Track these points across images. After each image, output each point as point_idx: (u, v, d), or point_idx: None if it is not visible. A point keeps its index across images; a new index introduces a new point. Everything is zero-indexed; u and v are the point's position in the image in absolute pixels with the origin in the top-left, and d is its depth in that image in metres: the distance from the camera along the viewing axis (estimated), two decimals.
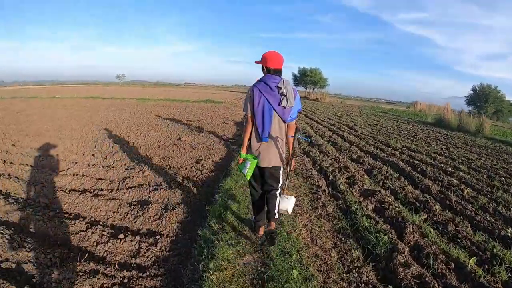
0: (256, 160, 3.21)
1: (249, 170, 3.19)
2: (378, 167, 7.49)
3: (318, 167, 7.29)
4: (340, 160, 7.96)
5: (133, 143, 9.00)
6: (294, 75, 61.03)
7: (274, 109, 3.05)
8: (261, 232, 3.67)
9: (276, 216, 3.47)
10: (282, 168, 3.38)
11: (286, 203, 3.50)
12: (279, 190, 3.45)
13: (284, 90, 3.01)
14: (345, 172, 6.92)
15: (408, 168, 7.50)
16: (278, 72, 3.10)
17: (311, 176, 6.52)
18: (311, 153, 8.58)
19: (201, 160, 7.70)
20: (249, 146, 3.30)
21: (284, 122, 3.18)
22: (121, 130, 10.97)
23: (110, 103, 21.46)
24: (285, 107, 3.06)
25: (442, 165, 7.99)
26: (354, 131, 13.78)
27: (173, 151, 8.40)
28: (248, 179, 3.35)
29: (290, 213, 3.67)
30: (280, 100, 3.03)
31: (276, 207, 3.43)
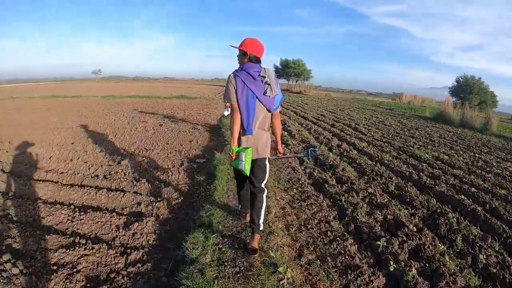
0: (249, 148, 2.94)
1: (246, 163, 2.90)
2: (435, 209, 4.61)
3: (353, 227, 3.99)
4: (377, 199, 4.89)
5: None
6: (276, 67, 57.17)
7: (258, 99, 2.89)
8: (248, 217, 3.53)
9: (261, 228, 3.15)
10: (267, 159, 3.15)
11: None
12: (265, 192, 3.19)
13: (268, 79, 2.87)
14: (403, 237, 3.67)
15: (478, 208, 4.56)
16: (259, 60, 2.95)
17: (353, 266, 3.14)
18: (326, 184, 5.45)
19: None
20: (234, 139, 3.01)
21: (269, 111, 3.02)
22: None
23: (61, 103, 18.26)
24: (270, 96, 2.92)
25: (503, 192, 5.41)
26: (361, 133, 10.89)
27: None
28: (248, 173, 2.98)
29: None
30: (265, 89, 2.89)
31: (261, 217, 3.13)
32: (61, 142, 7.92)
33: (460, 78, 48.79)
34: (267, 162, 3.17)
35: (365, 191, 5.15)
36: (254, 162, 3.06)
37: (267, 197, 3.35)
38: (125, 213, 4.29)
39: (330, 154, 7.41)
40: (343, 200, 4.71)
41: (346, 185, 5.47)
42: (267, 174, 3.20)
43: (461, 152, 8.84)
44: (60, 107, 15.61)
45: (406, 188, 5.36)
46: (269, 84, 2.87)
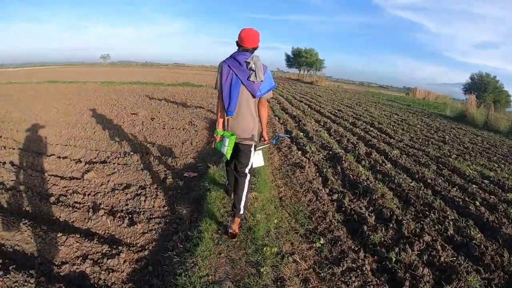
0: (234, 136, 2.97)
1: (228, 148, 2.96)
2: None
3: None
4: (439, 257, 3.22)
5: None
6: (288, 56, 54.49)
7: (242, 83, 2.89)
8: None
9: (241, 212, 3.17)
10: (253, 146, 3.13)
11: (258, 158, 3.44)
12: (248, 177, 3.17)
13: (253, 65, 2.84)
14: None
15: None
16: (247, 50, 2.92)
17: None
18: (364, 225, 3.66)
19: None
20: (220, 123, 3.09)
21: (254, 97, 2.96)
22: None
23: (55, 89, 16.63)
24: (254, 82, 2.89)
25: None
26: (388, 136, 9.04)
27: None
28: (229, 157, 3.10)
29: (263, 164, 3.63)
30: (248, 74, 2.87)
31: (243, 201, 3.15)
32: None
33: (475, 75, 46.84)
34: (252, 149, 3.14)
35: (419, 240, 3.38)
36: (238, 146, 3.08)
37: (250, 182, 3.25)
38: None
39: (360, 168, 5.58)
40: (394, 259, 3.05)
41: (391, 225, 3.68)
42: (251, 160, 3.17)
43: (502, 165, 7.18)
44: (51, 95, 13.96)
45: (468, 231, 3.67)
46: (253, 70, 2.85)
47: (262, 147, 3.44)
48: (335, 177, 5.21)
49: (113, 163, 5.18)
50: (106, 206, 4.02)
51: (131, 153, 5.72)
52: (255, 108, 3.06)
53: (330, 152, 6.39)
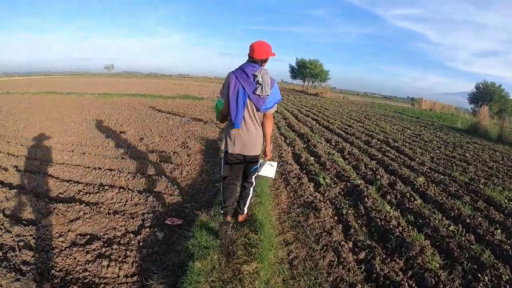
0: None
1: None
2: None
3: None
4: None
5: None
6: (292, 67, 53.38)
7: (248, 96, 2.88)
8: (229, 218, 3.39)
9: (245, 212, 3.52)
10: (259, 158, 3.23)
11: (270, 170, 3.26)
12: (253, 184, 3.41)
13: (260, 79, 2.82)
14: None
15: None
16: (256, 61, 2.90)
17: None
18: None
19: None
20: (226, 135, 3.14)
21: (258, 110, 2.95)
22: None
23: (49, 101, 15.86)
24: (259, 96, 2.87)
25: None
26: (408, 157, 7.89)
27: None
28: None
29: (274, 178, 3.75)
30: (255, 88, 2.85)
31: (247, 204, 3.48)
32: None
33: (480, 85, 46.11)
34: (258, 160, 3.21)
35: None
36: (244, 159, 3.16)
37: (254, 189, 3.50)
38: None
39: (386, 206, 4.47)
40: None
41: None
42: (257, 173, 3.24)
43: None
44: (44, 107, 13.09)
45: None
46: (260, 84, 2.83)
47: (263, 165, 3.23)
48: (359, 221, 4.08)
49: (80, 204, 4.09)
50: (59, 271, 2.93)
51: (106, 187, 4.64)
52: (259, 121, 3.05)
53: (348, 184, 5.26)
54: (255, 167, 3.24)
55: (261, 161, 3.23)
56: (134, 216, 3.92)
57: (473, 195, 5.38)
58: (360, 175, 5.97)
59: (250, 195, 3.44)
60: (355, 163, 6.71)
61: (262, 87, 2.83)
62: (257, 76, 2.82)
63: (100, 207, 4.05)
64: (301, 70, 50.37)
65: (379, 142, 9.36)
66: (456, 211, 4.53)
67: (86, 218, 3.77)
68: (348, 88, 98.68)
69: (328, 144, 8.32)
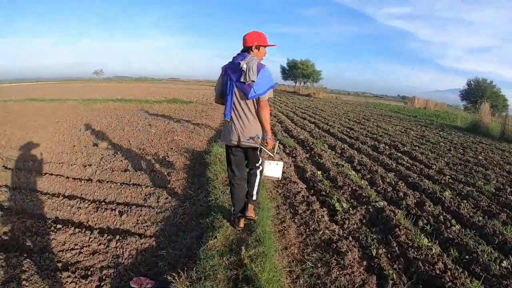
0: None
1: None
2: None
3: None
4: None
5: None
6: (283, 68, 52.31)
7: (235, 84, 2.85)
8: (241, 224, 3.38)
9: (254, 198, 3.30)
10: (259, 149, 3.08)
11: (275, 170, 3.23)
12: (260, 169, 3.23)
13: (244, 66, 2.75)
14: None
15: None
16: (246, 50, 2.90)
17: None
18: None
19: None
20: (223, 127, 3.15)
21: (247, 98, 2.84)
22: None
23: (28, 108, 14.51)
24: (245, 83, 2.78)
25: None
26: (424, 165, 6.86)
27: None
28: None
29: (280, 178, 3.46)
30: (239, 75, 2.79)
31: (255, 188, 3.26)
32: None
33: (471, 82, 45.82)
34: (258, 151, 3.12)
35: None
36: (246, 151, 3.10)
37: (261, 172, 3.24)
38: None
39: (423, 239, 3.40)
40: None
41: None
42: (260, 159, 3.17)
43: None
44: (21, 115, 11.94)
45: None
46: (244, 71, 2.75)
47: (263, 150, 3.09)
48: (395, 267, 2.99)
49: (20, 255, 2.90)
50: None
51: (59, 226, 3.47)
52: (253, 110, 2.94)
53: (370, 208, 4.15)
54: (258, 150, 3.09)
55: (264, 160, 3.16)
56: (89, 273, 2.77)
57: (507, 211, 4.46)
58: (380, 193, 4.89)
59: (258, 178, 3.24)
60: (369, 176, 5.63)
61: (246, 73, 2.74)
62: (239, 63, 2.78)
63: (45, 260, 2.89)
64: (292, 70, 49.28)
65: (387, 147, 8.33)
66: (500, 237, 3.57)
67: (23, 280, 2.61)
68: (339, 88, 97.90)
69: (333, 153, 7.21)
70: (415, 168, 6.45)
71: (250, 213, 3.26)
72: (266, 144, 3.03)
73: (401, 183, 5.36)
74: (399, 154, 7.55)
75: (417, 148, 8.67)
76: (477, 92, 43.92)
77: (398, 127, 13.45)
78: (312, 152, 6.84)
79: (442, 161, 7.36)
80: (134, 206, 3.94)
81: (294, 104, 21.99)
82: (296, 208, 4.02)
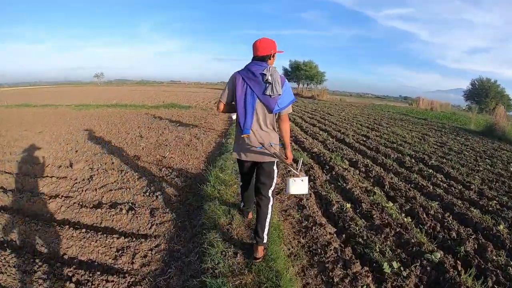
0: None
1: None
2: None
3: None
4: None
5: None
6: (285, 69, 50.78)
7: (258, 97, 2.55)
8: (250, 216, 3.34)
9: (265, 240, 2.79)
10: (275, 164, 2.75)
11: (301, 186, 2.67)
12: (271, 202, 2.81)
13: (270, 78, 2.49)
14: None
15: None
16: (262, 58, 2.58)
17: None
18: None
19: None
20: (235, 138, 2.82)
21: (270, 112, 2.60)
22: None
23: (20, 116, 13.37)
24: (270, 96, 2.53)
25: None
26: (462, 185, 5.66)
27: None
28: None
29: (307, 193, 3.15)
30: (265, 88, 2.52)
31: (266, 229, 2.77)
32: None
33: (475, 81, 45.31)
34: (275, 168, 2.77)
35: None
36: (258, 166, 2.78)
37: (272, 208, 2.85)
38: None
39: None
40: None
41: None
42: (275, 181, 2.82)
43: None
44: (7, 122, 10.95)
45: None
46: (270, 83, 2.51)
47: (282, 161, 2.69)
48: None
49: None
50: None
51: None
52: (272, 124, 2.69)
53: (426, 265, 2.89)
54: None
55: (288, 178, 2.68)
56: None
57: None
58: (429, 235, 3.66)
59: (269, 215, 2.80)
60: (408, 206, 4.36)
61: (272, 86, 2.50)
62: (265, 74, 2.49)
63: None
64: (295, 72, 47.96)
65: (413, 161, 7.07)
66: None
67: None
68: (340, 89, 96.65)
69: (357, 172, 5.91)
70: (453, 189, 5.26)
71: (260, 254, 2.80)
72: (285, 157, 2.73)
73: (448, 216, 4.12)
74: (430, 170, 6.31)
75: (444, 160, 7.44)
76: (481, 92, 43.59)
77: (413, 132, 12.26)
78: (333, 173, 5.55)
79: (477, 177, 6.21)
80: (99, 273, 2.69)
81: (299, 107, 20.75)
82: (330, 273, 2.75)
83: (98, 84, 68.54)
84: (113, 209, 3.86)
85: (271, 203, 2.81)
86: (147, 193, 4.34)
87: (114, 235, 3.27)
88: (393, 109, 27.43)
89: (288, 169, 2.74)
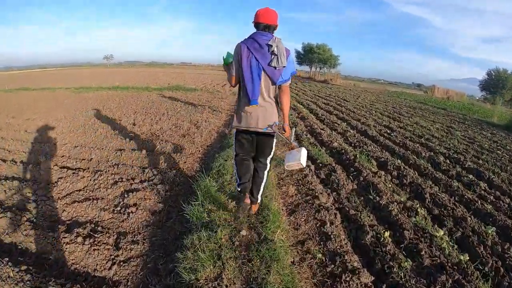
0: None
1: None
2: None
3: None
4: None
5: None
6: (298, 52, 48.51)
7: (263, 68, 2.48)
8: (247, 200, 3.03)
9: (259, 200, 3.05)
10: (275, 135, 2.77)
11: (297, 156, 2.59)
12: (268, 168, 2.91)
13: (276, 49, 2.41)
14: None
15: None
16: (268, 28, 2.49)
17: None
18: None
19: None
20: (237, 111, 2.70)
21: (274, 84, 2.56)
22: None
23: (13, 100, 12.67)
24: (275, 68, 2.47)
25: None
26: (509, 197, 4.42)
27: None
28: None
29: (304, 165, 2.69)
30: (270, 59, 2.45)
31: (260, 192, 2.99)
32: None
33: (491, 72, 43.29)
34: (274, 139, 2.82)
35: None
36: (259, 137, 2.74)
37: (268, 174, 2.98)
38: None
39: None
40: None
41: None
42: (273, 150, 2.87)
43: None
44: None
45: None
46: (276, 55, 2.42)
47: (280, 136, 2.69)
48: None
49: None
50: None
51: None
52: (274, 96, 2.66)
53: None
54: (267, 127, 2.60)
55: (286, 152, 2.75)
56: None
57: None
58: (493, 281, 2.55)
59: (264, 180, 2.93)
60: (459, 233, 3.24)
61: (278, 57, 2.42)
62: (271, 46, 2.41)
63: None
64: (308, 55, 45.92)
65: (448, 162, 5.87)
66: None
67: None
68: (352, 74, 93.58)
69: (389, 177, 4.66)
70: (502, 203, 4.12)
71: (254, 210, 3.05)
72: (283, 132, 2.69)
73: (508, 248, 3.00)
74: (470, 176, 5.07)
75: (480, 162, 6.17)
76: (497, 83, 41.69)
77: (437, 124, 10.95)
78: (361, 179, 4.35)
79: None
80: None
81: (312, 92, 19.34)
82: None
83: (107, 66, 67.21)
84: (67, 234, 2.80)
85: (267, 169, 2.91)
86: (118, 208, 3.26)
87: (58, 280, 2.21)
88: (409, 96, 25.69)
89: (286, 142, 2.58)
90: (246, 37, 2.52)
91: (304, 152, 2.63)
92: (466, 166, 5.71)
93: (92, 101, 11.11)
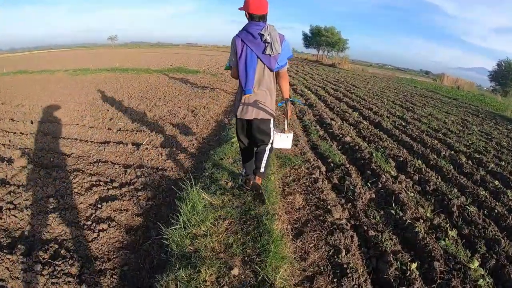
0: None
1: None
2: None
3: None
4: None
5: None
6: (305, 35, 46.90)
7: (258, 58, 2.51)
8: (252, 183, 3.05)
9: (262, 170, 2.96)
10: (272, 120, 2.79)
11: (286, 141, 2.84)
12: (269, 145, 2.90)
13: (268, 37, 2.43)
14: None
15: None
16: (261, 18, 2.49)
17: None
18: None
19: None
20: (238, 99, 2.71)
21: (271, 71, 2.61)
22: None
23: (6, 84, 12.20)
24: (270, 55, 2.50)
25: None
26: None
27: None
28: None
29: (290, 148, 3.09)
30: (264, 48, 2.47)
31: (264, 163, 2.93)
32: None
33: (502, 62, 41.05)
34: (271, 126, 2.81)
35: None
36: (254, 123, 2.74)
37: (271, 150, 2.91)
38: None
39: None
40: None
41: None
42: (272, 137, 2.84)
43: None
44: None
45: None
46: (269, 43, 2.44)
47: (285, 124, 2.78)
48: None
49: None
50: None
51: None
52: (273, 82, 2.70)
53: None
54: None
55: (276, 132, 2.81)
56: None
57: None
58: None
59: (267, 153, 2.88)
60: (493, 262, 2.70)
61: (271, 45, 2.44)
62: (263, 35, 2.42)
63: None
64: (315, 38, 44.34)
65: (469, 163, 5.29)
66: None
67: None
68: (359, 58, 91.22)
69: (410, 182, 4.06)
70: None
71: (258, 181, 3.00)
72: (285, 116, 2.73)
73: None
74: (496, 182, 4.45)
75: (502, 163, 5.56)
76: (507, 74, 39.77)
77: (451, 116, 10.29)
78: (379, 186, 3.73)
79: None
80: None
81: (320, 76, 18.48)
82: None
83: (112, 46, 65.83)
84: (26, 259, 2.25)
85: (268, 147, 2.85)
86: (89, 221, 2.68)
87: None
88: (419, 84, 24.67)
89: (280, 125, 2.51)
90: (240, 29, 2.54)
91: (291, 137, 2.83)
92: (489, 169, 5.10)
93: (88, 84, 10.49)
